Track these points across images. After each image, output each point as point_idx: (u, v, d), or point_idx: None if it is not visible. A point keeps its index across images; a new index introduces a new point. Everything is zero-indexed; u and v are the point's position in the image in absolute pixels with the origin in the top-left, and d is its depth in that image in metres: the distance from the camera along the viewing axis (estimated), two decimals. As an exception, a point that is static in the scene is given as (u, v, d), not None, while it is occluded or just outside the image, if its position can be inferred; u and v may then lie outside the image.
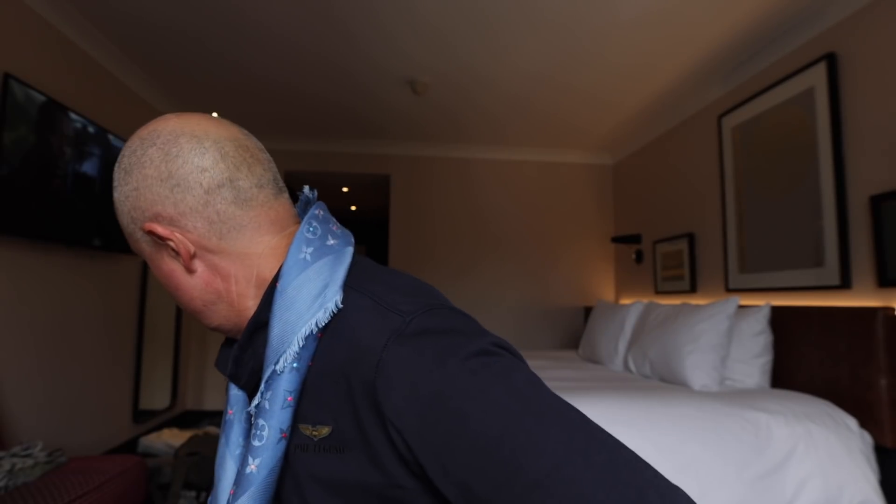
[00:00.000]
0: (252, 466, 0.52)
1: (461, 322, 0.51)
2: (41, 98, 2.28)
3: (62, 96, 2.49)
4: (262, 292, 0.58)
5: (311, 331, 0.52)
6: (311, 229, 0.58)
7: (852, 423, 1.90)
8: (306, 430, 0.53)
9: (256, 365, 0.56)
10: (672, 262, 3.58)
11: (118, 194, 0.58)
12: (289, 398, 0.52)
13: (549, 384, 2.30)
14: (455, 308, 0.54)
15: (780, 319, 2.35)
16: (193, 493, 2.43)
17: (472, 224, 4.49)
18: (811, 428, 1.82)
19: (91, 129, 2.64)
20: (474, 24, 2.58)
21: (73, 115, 2.49)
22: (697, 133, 3.36)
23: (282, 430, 0.52)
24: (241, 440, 0.59)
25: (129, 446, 3.15)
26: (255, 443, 0.52)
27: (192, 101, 3.61)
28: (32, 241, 2.32)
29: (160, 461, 2.60)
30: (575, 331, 4.48)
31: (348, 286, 0.55)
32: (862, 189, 2.15)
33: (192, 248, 0.56)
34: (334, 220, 0.62)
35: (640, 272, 4.09)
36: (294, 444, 0.53)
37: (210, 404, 4.22)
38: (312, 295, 0.53)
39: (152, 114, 3.46)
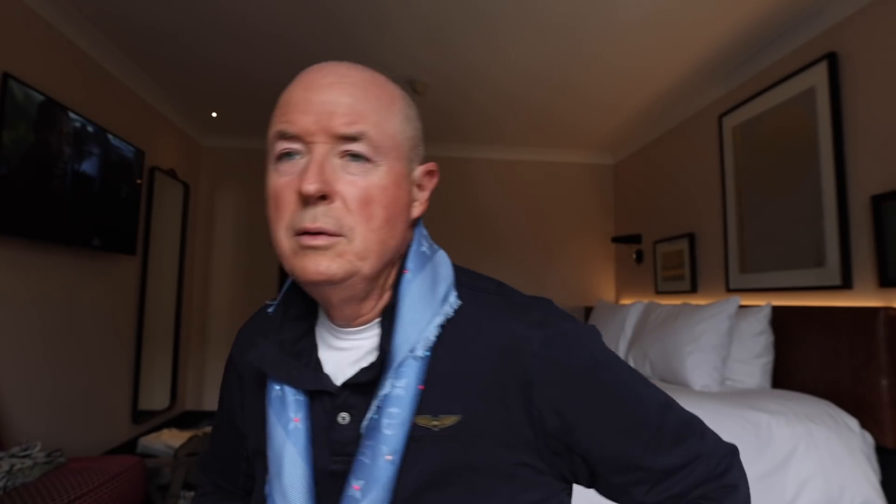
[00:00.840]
0: (388, 457, 0.51)
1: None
2: (40, 97, 2.27)
3: (61, 96, 2.48)
4: (391, 274, 0.58)
5: (441, 323, 0.55)
6: (422, 226, 0.62)
7: (853, 423, 1.89)
8: (423, 420, 0.53)
9: (383, 351, 0.54)
10: (672, 262, 3.57)
11: (414, 115, 0.61)
12: (420, 386, 0.53)
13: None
14: None
15: (781, 319, 2.34)
16: (193, 494, 2.42)
17: (472, 224, 4.49)
18: (812, 428, 1.82)
19: (90, 129, 2.63)
20: (475, 23, 2.57)
21: (71, 115, 2.48)
22: (698, 133, 3.35)
23: (411, 419, 0.52)
24: (310, 447, 0.55)
25: (129, 447, 3.14)
26: (388, 432, 0.51)
27: (193, 101, 3.61)
28: (31, 241, 2.32)
29: (159, 462, 2.60)
30: (575, 331, 4.47)
31: (459, 283, 0.60)
32: (863, 189, 2.14)
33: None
34: None
35: (641, 272, 4.08)
36: (410, 436, 0.53)
37: (209, 405, 4.21)
38: (437, 289, 0.57)
39: (152, 114, 3.45)
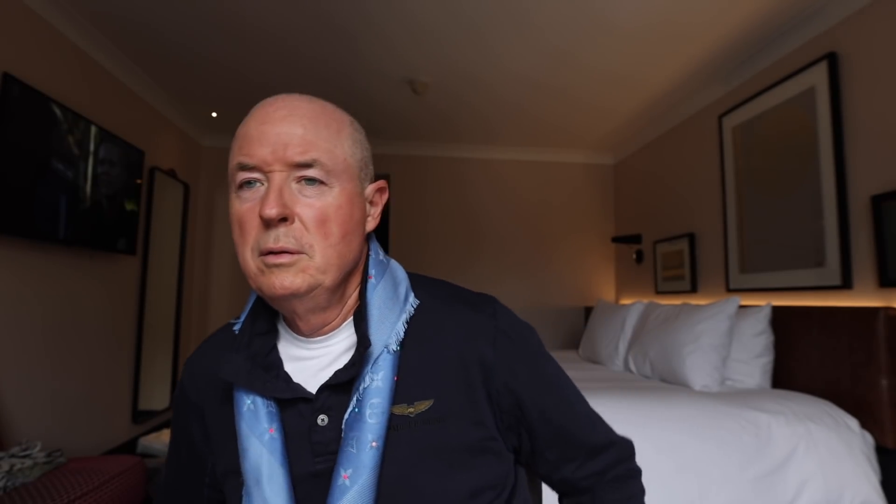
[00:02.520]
0: (373, 444, 0.55)
1: None
2: (40, 97, 2.27)
3: (60, 96, 2.48)
4: (352, 283, 0.64)
5: (406, 320, 0.62)
6: (374, 238, 0.68)
7: (853, 423, 1.89)
8: (400, 409, 0.58)
9: (364, 347, 0.59)
10: (672, 262, 3.57)
11: (362, 138, 0.64)
12: (395, 377, 0.59)
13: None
14: None
15: (781, 319, 2.34)
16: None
17: (472, 225, 4.48)
18: (812, 428, 1.82)
19: (90, 129, 2.63)
20: (468, 27, 2.57)
21: (71, 115, 2.48)
22: (698, 133, 3.35)
23: (389, 407, 0.57)
24: (287, 455, 0.58)
25: (129, 447, 3.14)
26: (371, 420, 0.56)
27: (193, 102, 3.61)
28: (32, 241, 2.32)
29: (160, 462, 2.60)
30: (575, 331, 4.48)
31: (414, 285, 0.67)
32: (863, 189, 2.14)
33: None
34: None
35: (641, 272, 4.08)
36: (390, 426, 0.58)
37: (210, 404, 4.21)
38: (398, 291, 0.64)
39: (152, 114, 3.45)
